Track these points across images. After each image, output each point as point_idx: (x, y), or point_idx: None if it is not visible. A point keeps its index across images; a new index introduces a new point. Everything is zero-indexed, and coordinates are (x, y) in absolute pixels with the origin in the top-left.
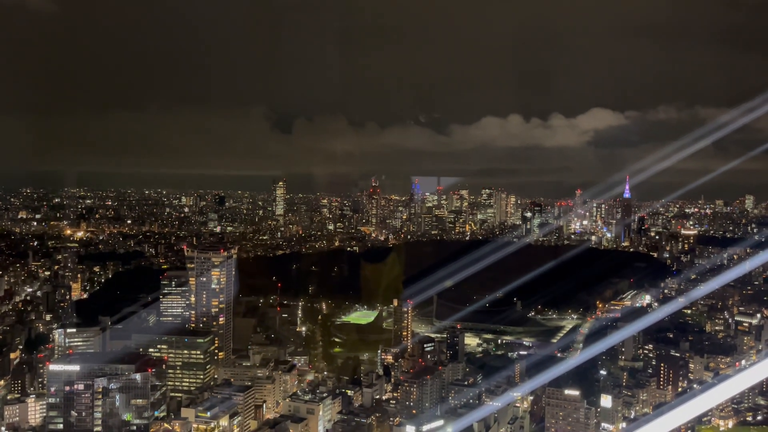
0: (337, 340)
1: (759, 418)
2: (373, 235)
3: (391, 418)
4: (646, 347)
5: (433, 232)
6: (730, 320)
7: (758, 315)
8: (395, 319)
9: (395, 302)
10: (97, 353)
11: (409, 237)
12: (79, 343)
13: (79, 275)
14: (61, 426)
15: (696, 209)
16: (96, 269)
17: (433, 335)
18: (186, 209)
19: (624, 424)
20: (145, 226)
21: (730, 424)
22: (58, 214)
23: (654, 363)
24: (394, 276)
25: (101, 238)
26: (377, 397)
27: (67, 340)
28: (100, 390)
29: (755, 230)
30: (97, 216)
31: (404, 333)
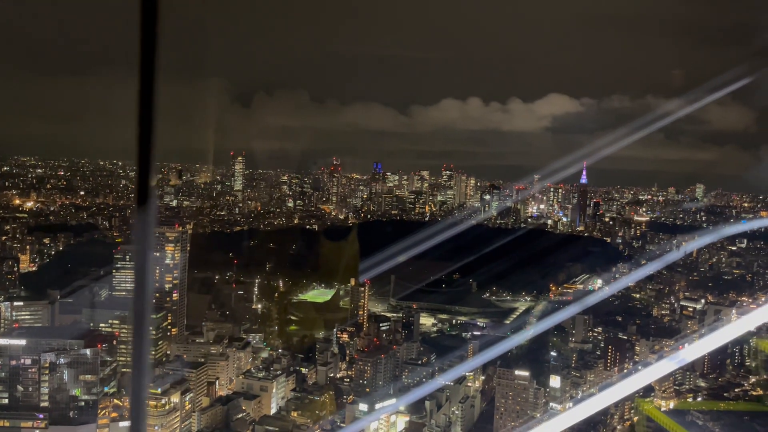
0: (293, 318)
1: (699, 399)
2: (333, 213)
3: (345, 396)
4: (596, 329)
5: (393, 212)
6: (676, 305)
7: (702, 300)
8: (352, 298)
9: (352, 281)
10: (46, 327)
11: (369, 216)
12: (26, 317)
13: (27, 247)
14: (6, 401)
15: (649, 196)
16: (46, 241)
17: (389, 314)
18: None
19: (571, 404)
20: (99, 197)
21: (672, 404)
22: (6, 183)
23: (602, 345)
24: (352, 255)
25: (52, 208)
26: (331, 375)
27: (13, 314)
28: (48, 365)
29: (703, 218)
30: (48, 186)
31: (360, 312)
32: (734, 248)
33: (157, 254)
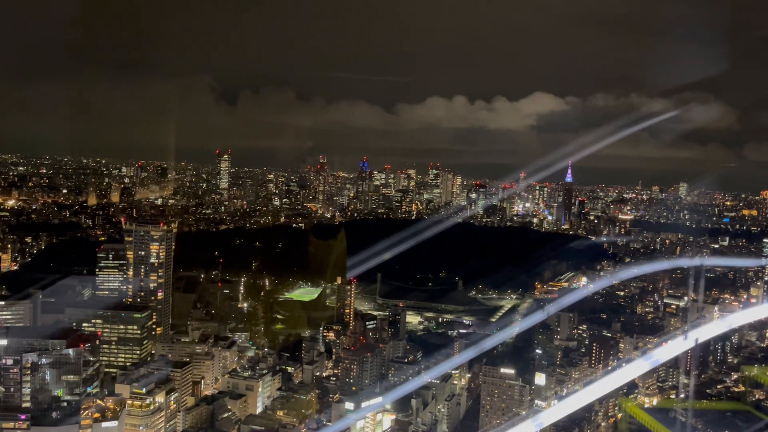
0: (279, 316)
1: (682, 395)
2: (320, 211)
3: (331, 395)
4: (581, 327)
5: (379, 211)
6: (659, 302)
7: (685, 298)
8: (338, 296)
9: (339, 280)
10: (27, 327)
11: (355, 215)
12: (7, 317)
13: (9, 245)
14: None
15: (633, 195)
16: (28, 240)
17: (375, 313)
18: (126, 180)
19: (556, 401)
20: (81, 196)
21: (655, 401)
22: None
23: (587, 343)
24: (339, 254)
25: (34, 207)
26: (318, 374)
27: None
28: (29, 365)
29: (686, 216)
30: (30, 184)
31: (347, 311)
32: (716, 246)
33: (142, 253)
